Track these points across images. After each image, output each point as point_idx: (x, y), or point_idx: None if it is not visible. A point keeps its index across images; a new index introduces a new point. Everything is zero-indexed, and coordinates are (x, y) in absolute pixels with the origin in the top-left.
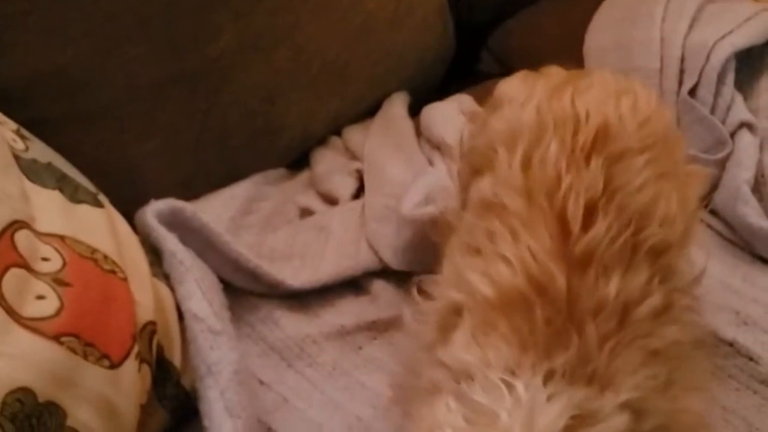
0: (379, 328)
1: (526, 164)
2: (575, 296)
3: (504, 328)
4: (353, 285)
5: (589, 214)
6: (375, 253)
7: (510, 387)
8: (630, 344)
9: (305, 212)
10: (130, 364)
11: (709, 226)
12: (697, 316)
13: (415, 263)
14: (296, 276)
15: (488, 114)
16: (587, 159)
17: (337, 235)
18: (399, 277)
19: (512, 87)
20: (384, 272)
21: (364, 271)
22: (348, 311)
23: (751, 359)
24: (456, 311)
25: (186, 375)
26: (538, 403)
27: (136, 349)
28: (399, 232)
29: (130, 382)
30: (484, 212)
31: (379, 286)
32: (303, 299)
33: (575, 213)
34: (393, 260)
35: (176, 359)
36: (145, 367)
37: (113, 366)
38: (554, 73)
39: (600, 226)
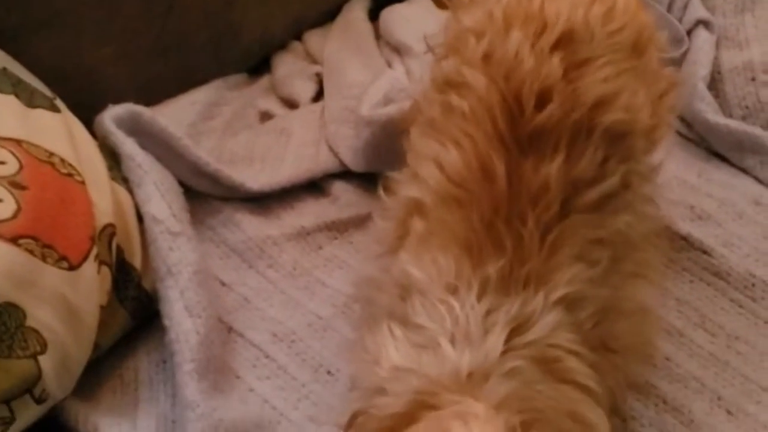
0: (339, 228)
1: (491, 51)
2: (519, 181)
3: (446, 235)
4: (314, 187)
5: (545, 96)
6: (335, 155)
7: (449, 308)
8: (572, 235)
9: (266, 116)
10: (89, 266)
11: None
12: (654, 208)
13: (375, 164)
14: (256, 179)
15: (459, 12)
16: (550, 53)
17: (297, 138)
18: (359, 179)
19: None
20: (344, 174)
21: (324, 173)
22: (308, 212)
23: (704, 252)
24: (411, 210)
25: (147, 277)
26: (476, 327)
27: (95, 251)
28: (358, 133)
29: (90, 283)
30: (445, 87)
31: (339, 187)
32: (264, 202)
33: (530, 93)
34: (353, 161)
35: (137, 261)
36: (105, 269)
37: (72, 268)
38: None
39: (553, 106)
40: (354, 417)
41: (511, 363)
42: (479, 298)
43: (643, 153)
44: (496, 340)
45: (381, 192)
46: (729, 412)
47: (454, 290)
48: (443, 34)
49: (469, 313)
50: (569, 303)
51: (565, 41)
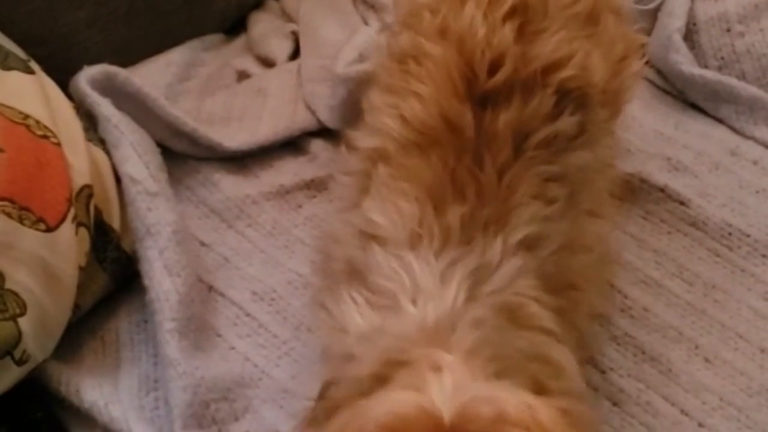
0: (318, 186)
1: (446, 25)
2: (477, 129)
3: (410, 181)
4: (292, 146)
5: (497, 63)
6: (312, 113)
7: (406, 265)
8: (527, 174)
9: (242, 76)
10: (67, 228)
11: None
12: (611, 155)
13: (352, 121)
14: (234, 138)
15: None
16: (502, 23)
17: (274, 97)
18: (337, 136)
19: None
20: (322, 132)
21: (301, 131)
22: (287, 171)
23: (681, 203)
24: (374, 159)
25: (126, 238)
26: (435, 283)
27: (72, 212)
28: (334, 91)
29: (68, 245)
30: (403, 58)
31: (317, 145)
32: (242, 161)
33: (483, 61)
34: (329, 119)
35: (115, 223)
36: (83, 231)
37: (49, 229)
38: None
39: (507, 68)
40: (325, 387)
41: (475, 312)
42: (439, 250)
43: (601, 108)
44: (456, 292)
45: (342, 149)
46: (707, 360)
47: (416, 240)
48: (395, 10)
49: (426, 270)
50: (529, 244)
51: (519, 12)
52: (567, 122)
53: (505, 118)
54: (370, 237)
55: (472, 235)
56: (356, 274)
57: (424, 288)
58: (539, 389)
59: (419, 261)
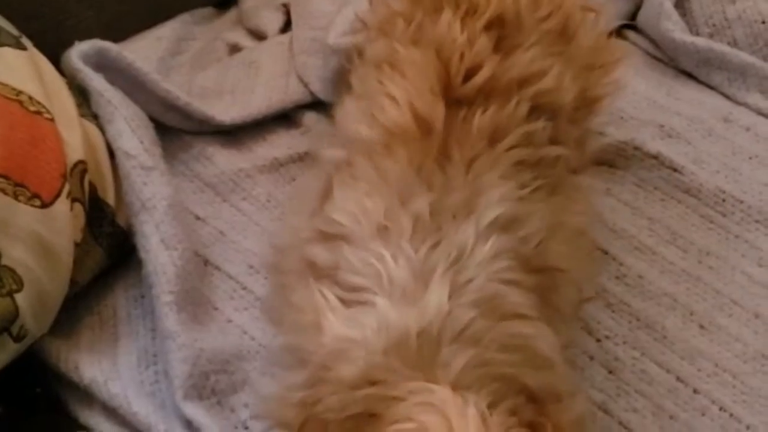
0: (312, 158)
1: (420, 33)
2: (449, 129)
3: (374, 181)
4: (285, 118)
5: (476, 67)
6: (305, 86)
7: (380, 257)
8: (497, 161)
9: (234, 49)
10: (62, 203)
11: (634, 43)
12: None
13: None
14: (227, 112)
15: None
16: (479, 34)
17: (266, 70)
18: (330, 109)
19: None
20: (315, 104)
21: (294, 104)
22: (280, 144)
23: (675, 170)
24: (337, 166)
25: (121, 213)
26: (413, 279)
27: (67, 188)
28: (326, 62)
29: (63, 220)
30: (379, 63)
31: (310, 118)
32: (235, 135)
33: (461, 64)
34: (322, 91)
35: (110, 198)
36: (78, 206)
37: (45, 205)
38: None
39: (484, 72)
40: (304, 423)
41: (459, 318)
42: (410, 239)
43: (571, 125)
44: (439, 291)
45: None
46: (701, 327)
47: (384, 232)
48: (371, 16)
49: (401, 260)
50: (503, 224)
51: (495, 26)
52: (541, 125)
53: (480, 120)
54: (333, 237)
55: (442, 221)
56: (321, 273)
57: (400, 282)
58: (530, 397)
59: (391, 251)
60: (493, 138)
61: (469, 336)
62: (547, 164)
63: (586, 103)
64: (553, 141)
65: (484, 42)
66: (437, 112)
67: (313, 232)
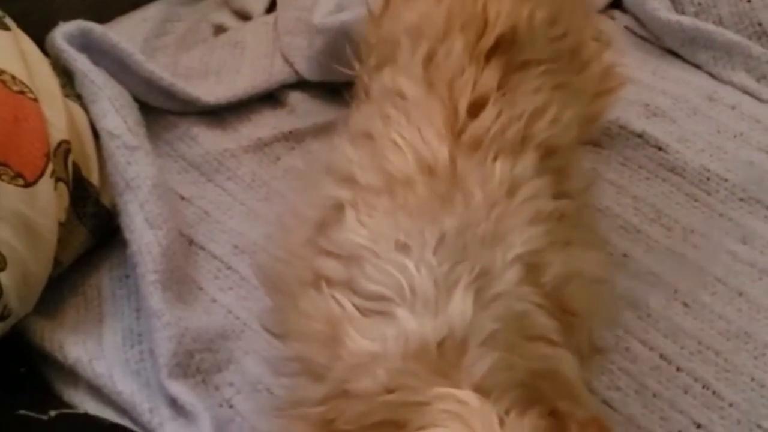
0: (296, 137)
1: (429, 58)
2: (461, 172)
3: (389, 205)
4: (270, 99)
5: (480, 105)
6: (290, 66)
7: (402, 268)
8: (517, 210)
9: (219, 30)
10: (46, 183)
11: (620, 23)
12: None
13: (330, 73)
14: (212, 92)
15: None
16: (487, 59)
17: (251, 50)
18: (315, 88)
19: None
20: (300, 84)
21: (279, 84)
22: (265, 124)
23: (659, 149)
24: (339, 207)
25: (105, 193)
26: (436, 288)
27: (50, 167)
28: (312, 42)
29: (47, 200)
30: (382, 99)
31: (295, 97)
32: (220, 115)
33: (465, 102)
34: (307, 71)
35: (94, 178)
36: (62, 186)
37: (28, 184)
38: None
39: (489, 115)
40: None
41: (484, 327)
42: (435, 254)
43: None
44: (463, 302)
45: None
46: (685, 304)
47: (405, 247)
48: (365, 43)
49: (424, 272)
50: (527, 264)
51: (505, 44)
52: (547, 180)
53: (492, 167)
54: (347, 256)
55: (468, 243)
56: (335, 282)
57: (422, 292)
58: (551, 412)
59: (414, 261)
60: (511, 190)
61: (494, 343)
62: (559, 212)
63: (585, 130)
64: (561, 195)
65: (490, 74)
66: (448, 158)
67: (318, 251)
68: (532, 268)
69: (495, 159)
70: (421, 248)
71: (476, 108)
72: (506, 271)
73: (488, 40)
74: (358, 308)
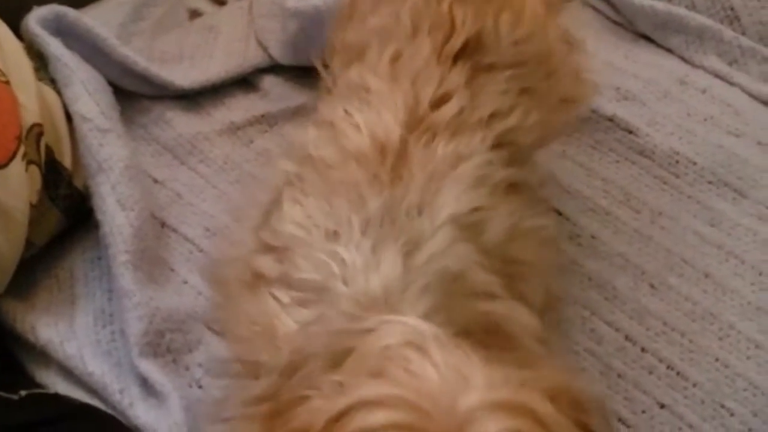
0: (269, 120)
1: (396, 57)
2: (410, 150)
3: (322, 192)
4: (244, 82)
5: (443, 100)
6: (264, 50)
7: (332, 253)
8: (456, 177)
9: (194, 14)
10: (17, 165)
11: (593, 8)
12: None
13: (303, 56)
14: (186, 76)
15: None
16: (454, 61)
17: (225, 35)
18: (288, 72)
19: None
20: (274, 68)
21: (253, 68)
22: (238, 107)
23: (630, 132)
24: (289, 181)
25: (78, 176)
26: (365, 263)
27: (22, 150)
28: (285, 26)
29: (18, 182)
30: (347, 92)
31: (269, 81)
32: (195, 99)
33: (428, 95)
34: (281, 55)
35: (67, 161)
36: (34, 168)
37: None
38: None
39: (450, 108)
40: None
41: (418, 282)
42: (363, 232)
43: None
44: (393, 266)
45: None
46: (652, 286)
47: (334, 236)
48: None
49: (354, 251)
50: (462, 225)
51: (471, 47)
52: (499, 155)
53: (443, 149)
54: (281, 248)
55: (396, 219)
56: (271, 280)
57: (354, 267)
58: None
59: (344, 246)
60: (455, 164)
61: (430, 293)
62: (504, 180)
63: (549, 134)
64: (512, 164)
65: (457, 73)
66: (395, 134)
67: (258, 245)
68: (468, 227)
69: (446, 141)
70: (350, 231)
71: (439, 102)
72: (436, 233)
73: (456, 43)
74: (293, 300)
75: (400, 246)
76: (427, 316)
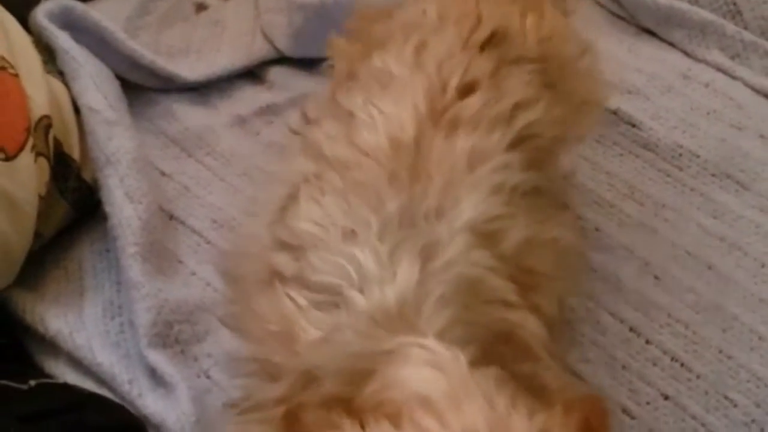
0: (275, 111)
1: (422, 45)
2: (427, 148)
3: (340, 191)
4: (250, 74)
5: (470, 88)
6: (270, 43)
7: (349, 256)
8: (474, 182)
9: (200, 8)
10: (26, 157)
11: (597, 2)
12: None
13: (309, 48)
14: (193, 69)
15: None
16: (481, 50)
17: (231, 28)
18: (294, 63)
19: None
20: (280, 60)
21: (259, 61)
22: (245, 100)
23: (633, 125)
24: (304, 179)
25: (86, 168)
26: (382, 267)
27: (31, 142)
28: (291, 19)
29: (27, 173)
30: (368, 78)
31: (275, 73)
32: (201, 92)
33: (456, 82)
34: (287, 47)
35: (75, 153)
36: (42, 160)
37: (8, 158)
38: None
39: (477, 99)
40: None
41: (436, 290)
42: (381, 235)
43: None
44: (409, 273)
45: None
46: (656, 277)
47: (351, 235)
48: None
49: (370, 255)
50: (479, 232)
51: (498, 39)
52: (519, 156)
53: (463, 143)
54: (298, 246)
55: (415, 222)
56: (287, 279)
57: (371, 273)
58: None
59: (360, 249)
60: (474, 164)
61: (448, 303)
62: (526, 185)
63: (570, 133)
64: (532, 167)
65: (484, 61)
66: (414, 127)
67: (273, 241)
68: (486, 235)
69: (467, 134)
70: (367, 233)
71: (466, 90)
72: (453, 239)
73: (483, 33)
74: (310, 302)
75: (418, 252)
76: (444, 332)
